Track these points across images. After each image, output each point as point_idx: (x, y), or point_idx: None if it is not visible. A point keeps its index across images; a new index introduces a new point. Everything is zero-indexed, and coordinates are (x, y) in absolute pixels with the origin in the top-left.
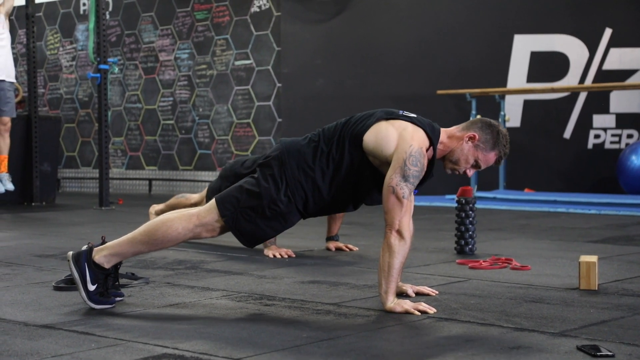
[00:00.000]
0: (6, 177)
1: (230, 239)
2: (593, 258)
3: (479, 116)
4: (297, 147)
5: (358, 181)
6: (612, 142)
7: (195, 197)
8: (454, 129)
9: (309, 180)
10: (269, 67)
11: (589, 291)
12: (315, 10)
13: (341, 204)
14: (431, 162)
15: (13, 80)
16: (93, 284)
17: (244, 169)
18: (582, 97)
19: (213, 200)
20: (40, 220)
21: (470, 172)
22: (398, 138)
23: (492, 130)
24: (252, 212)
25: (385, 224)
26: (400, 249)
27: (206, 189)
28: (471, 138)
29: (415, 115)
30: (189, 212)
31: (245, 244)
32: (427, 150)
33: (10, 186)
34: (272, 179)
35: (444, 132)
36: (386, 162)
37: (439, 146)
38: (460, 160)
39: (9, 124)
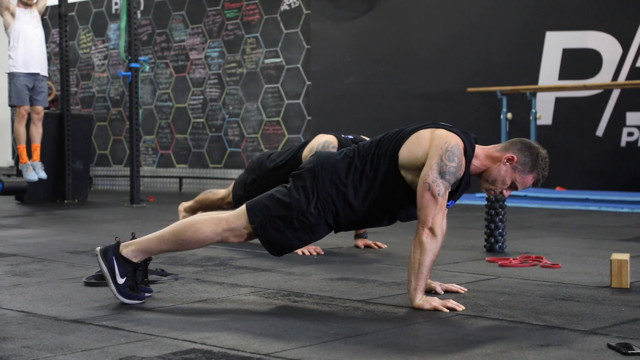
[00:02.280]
0: (39, 165)
1: None
2: (625, 256)
3: (507, 116)
4: (331, 161)
5: (391, 199)
6: None
7: (222, 192)
8: (492, 149)
9: (340, 195)
10: (299, 65)
11: (620, 289)
12: (344, 8)
13: (375, 220)
14: (465, 171)
15: (46, 74)
16: (122, 277)
17: (269, 161)
18: (615, 94)
19: (243, 206)
20: (72, 217)
21: (507, 193)
22: (431, 137)
23: (532, 153)
24: (280, 221)
25: (418, 220)
26: (432, 246)
27: (233, 183)
28: (509, 160)
29: (450, 125)
30: (219, 216)
31: (272, 252)
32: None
33: (43, 174)
34: (303, 190)
35: (482, 149)
36: (421, 167)
37: (475, 162)
38: (497, 181)
39: (42, 113)
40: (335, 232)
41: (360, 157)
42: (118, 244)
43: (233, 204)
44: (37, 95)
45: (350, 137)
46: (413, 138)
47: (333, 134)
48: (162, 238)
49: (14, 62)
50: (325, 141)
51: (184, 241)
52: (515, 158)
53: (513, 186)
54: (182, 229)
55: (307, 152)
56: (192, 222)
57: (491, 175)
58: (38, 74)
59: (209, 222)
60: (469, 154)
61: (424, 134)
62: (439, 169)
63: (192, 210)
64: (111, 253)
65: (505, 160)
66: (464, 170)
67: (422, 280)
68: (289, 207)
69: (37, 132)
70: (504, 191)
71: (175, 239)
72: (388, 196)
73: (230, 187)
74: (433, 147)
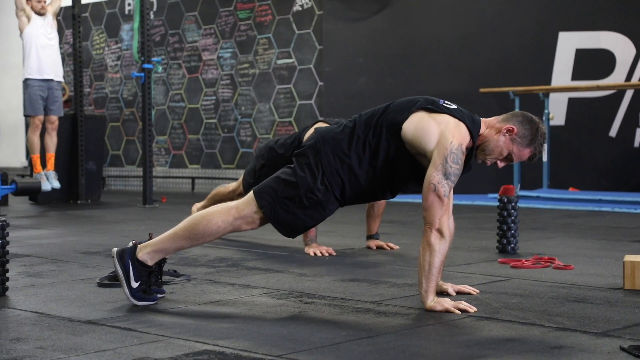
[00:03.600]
0: (53, 175)
1: (270, 237)
2: (638, 257)
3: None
4: (331, 134)
5: (395, 168)
6: None
7: (233, 185)
8: (493, 120)
9: (345, 166)
10: (311, 66)
11: (633, 291)
12: (356, 9)
13: (378, 191)
14: (470, 154)
15: (61, 79)
16: (136, 281)
17: (277, 145)
18: (629, 94)
19: (251, 193)
20: (85, 218)
21: (501, 165)
22: (439, 134)
23: (532, 127)
24: (289, 202)
25: (425, 222)
26: (441, 247)
27: (242, 174)
28: (509, 131)
29: (456, 107)
30: (228, 205)
31: (285, 234)
32: (467, 144)
33: (56, 184)
34: (308, 167)
35: (484, 122)
36: (424, 154)
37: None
38: (494, 151)
39: (57, 123)
40: (342, 206)
41: (362, 127)
42: (135, 247)
43: (244, 194)
44: (52, 104)
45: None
46: (423, 119)
47: (327, 122)
48: (176, 235)
49: (27, 68)
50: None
51: (197, 235)
52: (515, 130)
53: (509, 158)
54: (194, 223)
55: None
56: (203, 215)
57: (489, 145)
58: (52, 80)
59: (219, 213)
60: (474, 139)
61: (432, 126)
62: (443, 171)
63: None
64: (127, 256)
65: (505, 131)
66: (465, 161)
67: (432, 282)
68: (296, 186)
69: (52, 141)
70: (498, 162)
71: (189, 234)
72: (391, 165)
73: (241, 179)
74: (438, 147)
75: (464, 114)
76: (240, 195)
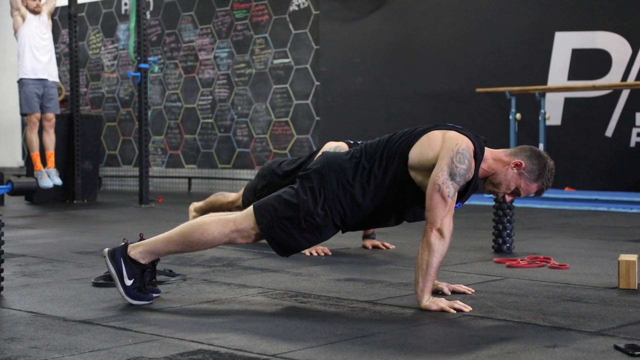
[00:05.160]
0: (54, 172)
1: None
2: (633, 257)
3: (516, 116)
4: (338, 161)
5: (399, 198)
6: None
7: (233, 195)
8: (500, 152)
9: (347, 195)
10: (308, 66)
11: (628, 290)
12: (353, 9)
13: (382, 220)
14: (474, 173)
15: (56, 79)
16: (130, 279)
17: (280, 169)
18: (625, 94)
19: (251, 207)
20: (81, 218)
21: (508, 198)
22: (442, 139)
23: (540, 162)
24: (288, 222)
25: (427, 221)
26: (440, 247)
27: (243, 188)
28: (517, 165)
29: (461, 127)
30: (227, 217)
31: (279, 253)
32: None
33: (58, 181)
34: (310, 191)
35: (490, 152)
36: (429, 168)
37: (483, 164)
38: (501, 184)
39: (53, 120)
40: (343, 232)
41: (367, 157)
42: (126, 246)
43: (242, 209)
44: (48, 102)
45: (360, 142)
46: (424, 139)
47: (343, 141)
48: (170, 239)
49: (22, 68)
50: (336, 146)
51: (191, 242)
52: (523, 164)
53: (516, 192)
54: (190, 230)
55: None
56: (199, 223)
57: (497, 178)
58: (46, 79)
59: (216, 223)
60: (478, 156)
61: (435, 135)
62: (449, 171)
63: (202, 211)
64: (119, 255)
65: (513, 165)
66: (473, 172)
67: (429, 282)
68: (296, 208)
69: (50, 139)
70: (506, 196)
71: (183, 240)
72: (396, 196)
73: (241, 192)
74: (444, 149)
75: (469, 133)
76: (239, 207)
